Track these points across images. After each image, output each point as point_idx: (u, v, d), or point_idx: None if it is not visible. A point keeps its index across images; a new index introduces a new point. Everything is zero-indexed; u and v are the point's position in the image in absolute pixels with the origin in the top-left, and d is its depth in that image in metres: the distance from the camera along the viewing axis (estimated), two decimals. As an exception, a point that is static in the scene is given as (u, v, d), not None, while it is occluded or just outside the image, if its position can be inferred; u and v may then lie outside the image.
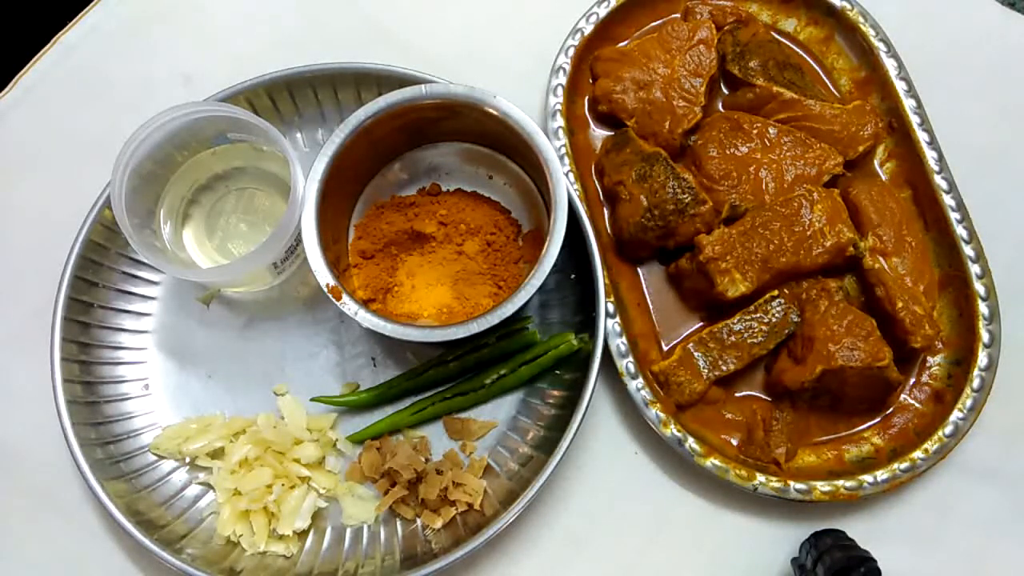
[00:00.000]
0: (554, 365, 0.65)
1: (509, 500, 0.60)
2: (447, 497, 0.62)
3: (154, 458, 0.64)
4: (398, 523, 0.63)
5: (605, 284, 0.63)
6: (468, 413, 0.66)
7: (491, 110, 0.62)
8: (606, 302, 0.63)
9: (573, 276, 0.67)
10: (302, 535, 0.63)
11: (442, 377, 0.66)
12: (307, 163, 0.61)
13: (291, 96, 0.69)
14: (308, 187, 0.61)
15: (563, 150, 0.68)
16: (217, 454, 0.64)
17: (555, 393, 0.65)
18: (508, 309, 0.59)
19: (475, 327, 0.59)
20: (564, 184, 0.61)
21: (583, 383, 0.61)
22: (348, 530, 0.63)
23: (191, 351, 0.67)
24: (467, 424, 0.66)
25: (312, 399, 0.65)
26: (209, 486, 0.64)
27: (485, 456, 0.65)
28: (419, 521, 0.63)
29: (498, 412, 0.66)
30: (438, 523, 0.62)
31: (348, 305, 0.59)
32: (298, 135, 0.71)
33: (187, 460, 0.64)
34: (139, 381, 0.66)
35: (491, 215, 0.68)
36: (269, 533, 0.62)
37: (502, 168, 0.70)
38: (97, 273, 0.66)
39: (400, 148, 0.69)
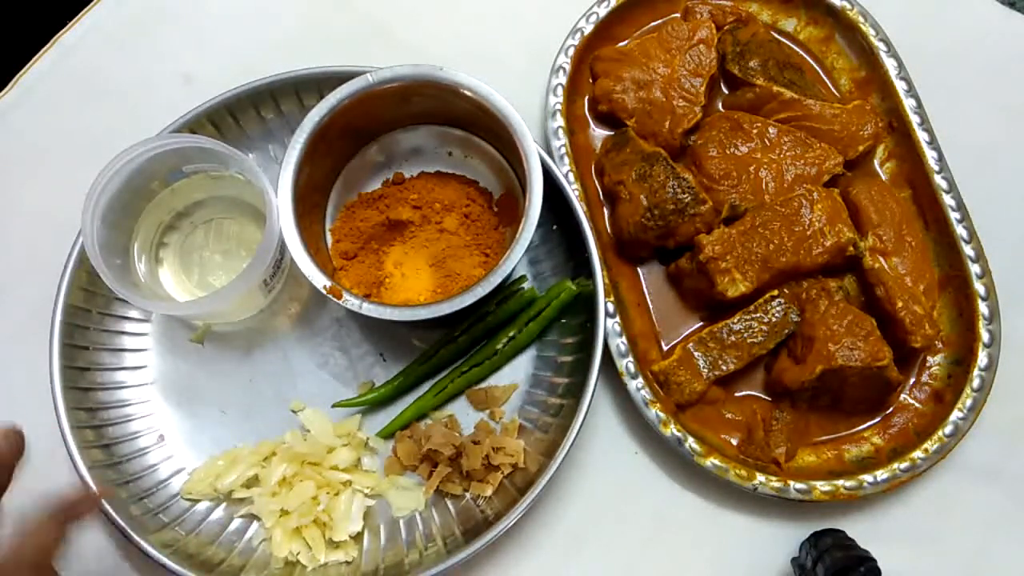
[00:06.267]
0: (559, 314, 0.66)
1: (550, 451, 0.60)
2: (491, 464, 0.62)
3: (189, 503, 0.63)
4: (447, 502, 0.63)
5: (605, 284, 0.63)
6: (488, 381, 0.67)
7: (444, 83, 0.62)
8: (606, 302, 0.63)
9: (555, 227, 0.67)
10: (357, 538, 0.62)
11: (454, 354, 0.66)
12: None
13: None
14: (281, 196, 0.60)
15: (563, 150, 0.68)
16: (251, 482, 0.63)
17: (567, 340, 0.66)
18: (507, 267, 0.60)
19: (480, 291, 0.59)
20: (528, 136, 0.61)
21: (593, 330, 0.61)
22: (401, 521, 0.63)
23: (197, 393, 0.66)
24: (490, 392, 0.66)
25: (334, 405, 0.65)
26: (253, 516, 0.62)
27: (515, 417, 0.65)
28: (468, 494, 0.63)
29: (516, 373, 0.67)
30: (488, 490, 0.62)
31: (351, 301, 0.59)
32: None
33: (223, 496, 0.63)
34: (152, 432, 0.64)
35: (461, 189, 0.68)
36: (325, 543, 0.61)
37: (458, 142, 0.70)
38: (87, 318, 0.64)
39: (354, 147, 0.69)
